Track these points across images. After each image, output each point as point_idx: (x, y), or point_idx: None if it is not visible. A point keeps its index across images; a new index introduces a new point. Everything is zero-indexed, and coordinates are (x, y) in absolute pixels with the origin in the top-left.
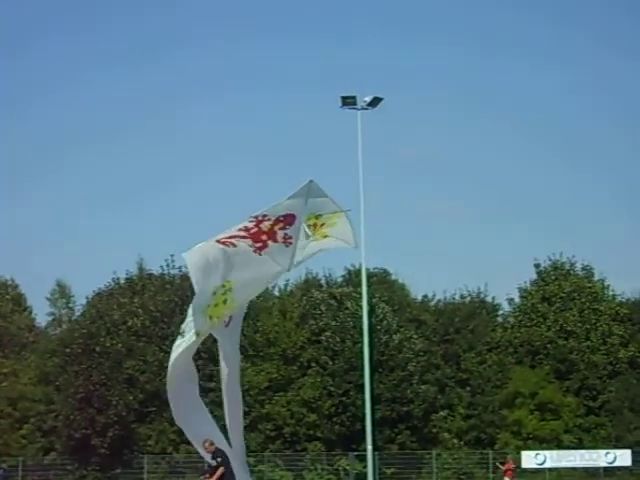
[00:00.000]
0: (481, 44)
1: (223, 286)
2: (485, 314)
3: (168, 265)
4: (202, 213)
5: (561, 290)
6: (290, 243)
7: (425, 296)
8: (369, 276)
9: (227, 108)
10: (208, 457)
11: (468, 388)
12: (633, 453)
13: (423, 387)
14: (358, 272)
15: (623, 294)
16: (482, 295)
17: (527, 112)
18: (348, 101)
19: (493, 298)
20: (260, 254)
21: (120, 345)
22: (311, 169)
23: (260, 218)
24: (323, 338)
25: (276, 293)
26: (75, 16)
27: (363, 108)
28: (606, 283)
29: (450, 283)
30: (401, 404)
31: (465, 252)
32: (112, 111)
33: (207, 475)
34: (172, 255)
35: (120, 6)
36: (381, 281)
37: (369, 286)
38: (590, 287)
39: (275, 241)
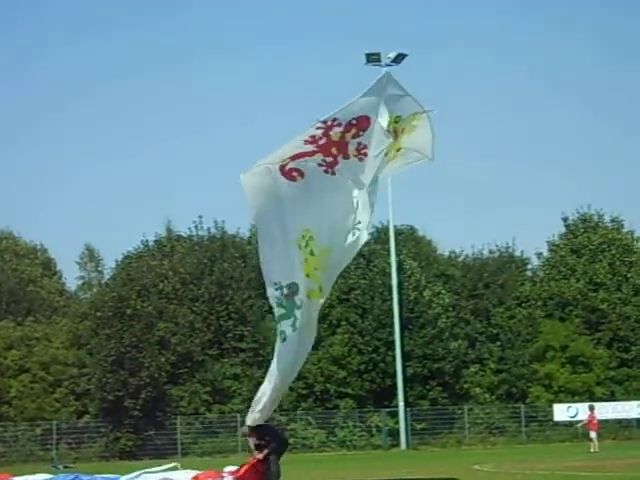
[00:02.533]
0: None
1: (303, 237)
2: (514, 268)
3: (197, 227)
4: (229, 174)
5: (590, 242)
6: (364, 155)
7: (453, 252)
8: (396, 233)
9: (250, 63)
10: None
11: (498, 343)
12: None
13: (454, 343)
14: (386, 229)
15: None
16: (510, 250)
17: (556, 65)
18: (372, 58)
19: (522, 252)
20: (333, 173)
21: (151, 308)
22: None
23: (330, 123)
24: (352, 296)
25: None
26: None
27: (387, 65)
28: (636, 235)
29: (478, 239)
30: (432, 360)
31: (492, 207)
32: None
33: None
34: (200, 217)
35: None
36: (408, 238)
37: (397, 243)
38: (620, 239)
39: (346, 156)
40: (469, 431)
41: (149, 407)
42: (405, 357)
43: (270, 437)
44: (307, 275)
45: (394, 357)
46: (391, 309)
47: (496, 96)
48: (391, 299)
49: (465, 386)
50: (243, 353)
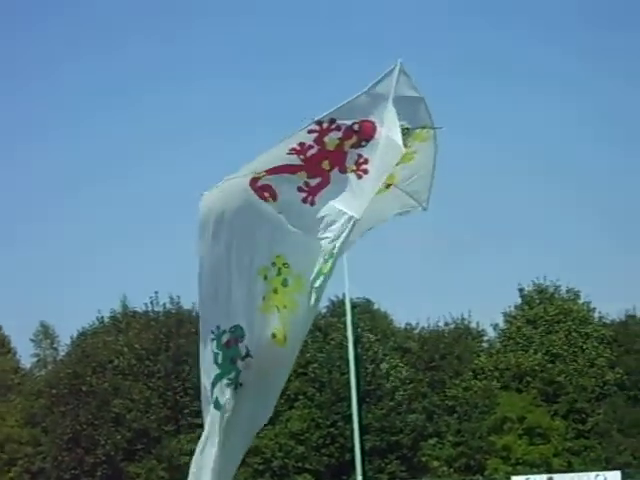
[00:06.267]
0: (461, 65)
1: (273, 264)
2: (470, 340)
3: (152, 302)
4: (184, 249)
5: (546, 313)
6: (364, 172)
7: (409, 324)
8: (352, 306)
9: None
10: None
11: (455, 415)
12: (623, 474)
13: (411, 416)
14: (342, 302)
15: (608, 316)
16: (466, 322)
17: (506, 134)
18: None
19: (477, 324)
20: (313, 203)
21: (106, 384)
22: None
23: (326, 125)
24: (310, 370)
25: None
26: None
27: None
28: (592, 306)
29: (433, 311)
30: (390, 434)
31: (447, 280)
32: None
33: None
34: (156, 292)
35: None
36: (364, 310)
37: (353, 316)
38: (576, 310)
39: (343, 170)
40: None
41: None
42: (363, 430)
43: None
44: (273, 310)
45: (353, 431)
46: (349, 382)
47: (448, 168)
48: (348, 372)
49: (423, 459)
50: (200, 429)
